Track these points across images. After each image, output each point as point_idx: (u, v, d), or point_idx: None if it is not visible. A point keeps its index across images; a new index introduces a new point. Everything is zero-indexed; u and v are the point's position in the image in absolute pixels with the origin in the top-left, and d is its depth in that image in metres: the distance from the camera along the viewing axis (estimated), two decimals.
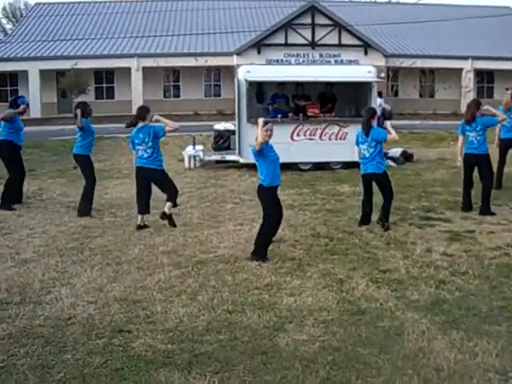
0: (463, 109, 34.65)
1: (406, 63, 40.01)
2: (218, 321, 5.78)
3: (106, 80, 42.13)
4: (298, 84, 16.37)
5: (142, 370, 4.80)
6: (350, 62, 36.03)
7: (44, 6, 47.09)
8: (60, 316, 5.91)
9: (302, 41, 38.14)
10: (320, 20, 38.24)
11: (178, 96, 42.31)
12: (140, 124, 9.29)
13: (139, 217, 9.53)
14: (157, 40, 41.97)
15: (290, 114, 15.79)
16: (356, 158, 9.99)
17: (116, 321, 5.79)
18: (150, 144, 9.18)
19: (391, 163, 15.53)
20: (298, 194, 12.27)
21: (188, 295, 6.49)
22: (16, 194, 11.44)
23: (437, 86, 42.30)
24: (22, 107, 11.20)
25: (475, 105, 10.36)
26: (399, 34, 42.66)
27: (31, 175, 14.17)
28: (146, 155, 9.22)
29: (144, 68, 40.05)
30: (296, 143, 15.32)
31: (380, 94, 22.52)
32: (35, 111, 35.72)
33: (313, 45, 38.31)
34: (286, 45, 38.13)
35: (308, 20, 38.31)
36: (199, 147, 17.21)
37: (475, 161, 10.33)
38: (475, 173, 10.52)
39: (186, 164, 16.44)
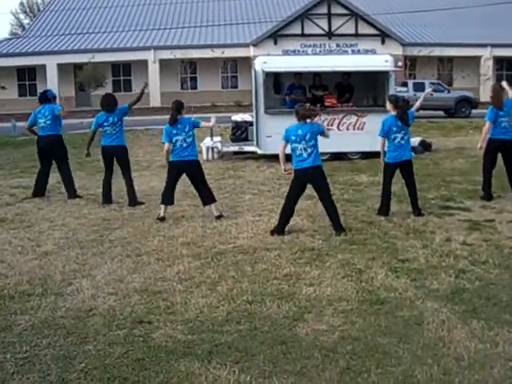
0: (482, 97, 34.26)
1: (424, 52, 39.70)
2: (238, 311, 5.79)
3: (124, 73, 42.35)
4: (315, 74, 16.32)
5: (163, 361, 4.82)
6: (366, 52, 35.83)
7: (60, 1, 47.36)
8: (81, 307, 5.97)
9: (318, 31, 38.04)
10: (336, 10, 38.12)
11: (195, 88, 42.40)
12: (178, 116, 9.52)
13: (162, 207, 9.57)
14: (173, 32, 42.07)
15: (308, 105, 15.69)
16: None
17: (136, 312, 5.83)
18: (191, 133, 9.45)
19: None
20: None
21: (207, 286, 6.51)
22: (43, 188, 11.67)
23: (455, 74, 41.93)
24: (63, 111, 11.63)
25: (500, 89, 10.30)
26: (416, 23, 42.30)
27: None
28: (185, 145, 9.38)
29: (161, 60, 40.19)
30: None
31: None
32: None
33: (329, 35, 38.20)
34: (303, 35, 38.06)
35: (324, 10, 38.21)
36: (217, 139, 17.25)
37: (508, 145, 10.21)
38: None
39: (204, 155, 16.47)
